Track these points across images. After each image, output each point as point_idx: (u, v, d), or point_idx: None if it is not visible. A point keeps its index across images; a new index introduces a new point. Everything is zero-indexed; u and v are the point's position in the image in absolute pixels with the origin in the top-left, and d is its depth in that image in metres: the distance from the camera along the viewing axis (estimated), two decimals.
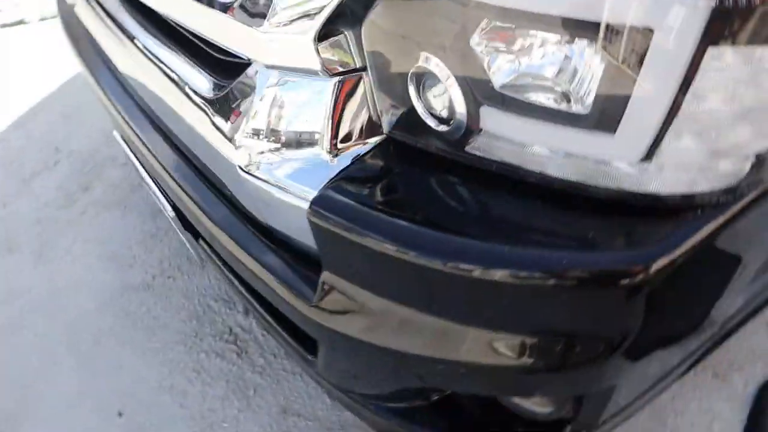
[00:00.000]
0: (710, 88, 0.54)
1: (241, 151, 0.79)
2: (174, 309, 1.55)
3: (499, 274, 0.62)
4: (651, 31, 0.52)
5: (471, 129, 0.67)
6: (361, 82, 0.72)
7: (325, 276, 0.78)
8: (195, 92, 0.89)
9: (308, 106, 0.74)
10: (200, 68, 0.90)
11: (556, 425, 0.89)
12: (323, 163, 0.74)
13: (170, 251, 1.69)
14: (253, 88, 0.79)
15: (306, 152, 0.75)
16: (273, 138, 0.77)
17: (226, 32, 0.80)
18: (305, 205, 0.73)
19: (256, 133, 0.77)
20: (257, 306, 1.08)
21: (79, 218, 1.84)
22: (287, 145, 0.77)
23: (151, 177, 1.16)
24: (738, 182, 0.61)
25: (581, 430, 0.88)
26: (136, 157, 1.19)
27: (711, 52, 0.52)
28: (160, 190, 1.15)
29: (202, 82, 0.89)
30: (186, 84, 0.91)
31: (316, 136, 0.74)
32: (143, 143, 1.08)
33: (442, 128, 0.69)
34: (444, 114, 0.69)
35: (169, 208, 1.13)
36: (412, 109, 0.70)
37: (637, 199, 0.62)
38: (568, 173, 0.63)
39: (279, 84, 0.75)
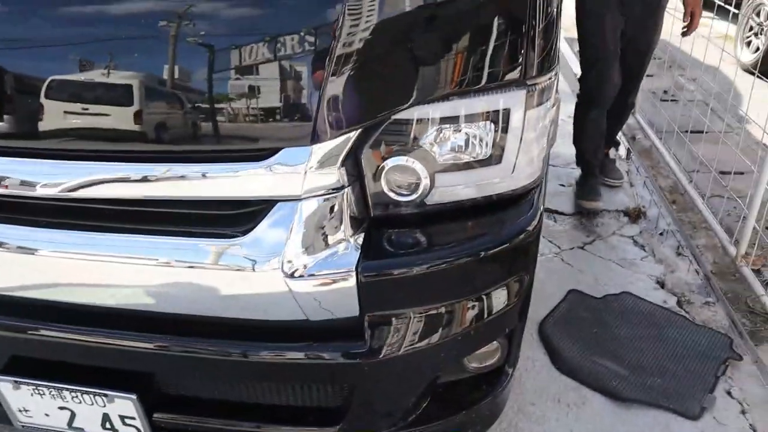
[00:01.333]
0: (531, 137, 1.19)
1: (290, 266, 1.09)
2: None
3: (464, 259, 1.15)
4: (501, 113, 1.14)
5: (430, 189, 1.17)
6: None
7: (371, 318, 1.15)
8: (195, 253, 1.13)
9: (328, 219, 1.12)
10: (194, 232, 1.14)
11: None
12: (349, 251, 1.13)
13: None
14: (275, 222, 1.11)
15: (335, 249, 1.12)
16: (311, 249, 1.11)
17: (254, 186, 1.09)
18: (350, 281, 1.10)
19: (299, 249, 1.10)
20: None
21: None
22: (320, 249, 1.12)
23: None
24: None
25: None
26: None
27: (528, 115, 1.18)
28: None
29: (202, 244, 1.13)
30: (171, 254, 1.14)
31: (338, 236, 1.12)
32: None
33: (411, 197, 1.17)
34: (408, 189, 1.17)
35: None
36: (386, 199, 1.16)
37: (504, 197, 1.23)
38: (472, 194, 1.19)
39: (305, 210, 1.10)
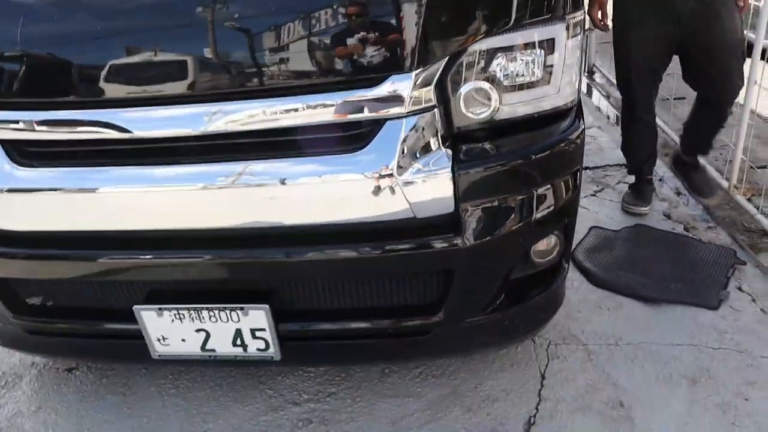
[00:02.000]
0: (570, 62, 1.51)
1: (401, 170, 1.39)
2: None
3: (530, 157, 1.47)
4: None
5: (498, 107, 1.48)
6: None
7: (464, 210, 1.45)
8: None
9: (426, 132, 1.42)
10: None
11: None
12: (443, 157, 1.43)
13: None
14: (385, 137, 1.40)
15: (433, 155, 1.42)
16: (415, 156, 1.41)
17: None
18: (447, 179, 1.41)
19: (407, 156, 1.40)
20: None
21: None
22: (422, 156, 1.42)
23: None
24: None
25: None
26: None
27: (567, 43, 1.50)
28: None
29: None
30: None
31: (435, 145, 1.42)
32: None
33: (484, 115, 1.48)
34: (482, 108, 1.47)
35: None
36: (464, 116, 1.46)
37: (554, 112, 1.55)
38: (530, 110, 1.51)
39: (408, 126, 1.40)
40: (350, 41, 1.35)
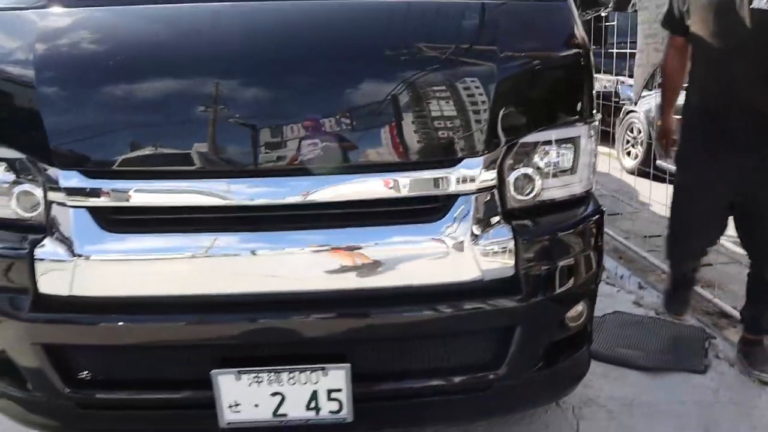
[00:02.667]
0: (588, 157, 1.91)
1: (473, 238, 1.66)
2: None
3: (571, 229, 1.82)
4: None
5: (540, 190, 1.81)
6: None
7: (523, 271, 1.72)
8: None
9: (489, 205, 1.72)
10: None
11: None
12: (506, 228, 1.73)
13: None
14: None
15: (498, 227, 1.72)
16: (484, 226, 1.69)
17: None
18: (510, 245, 1.70)
19: (477, 227, 1.68)
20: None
21: None
22: (489, 227, 1.70)
23: None
24: None
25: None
26: None
27: (586, 141, 1.90)
28: None
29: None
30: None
31: (496, 219, 1.72)
32: None
33: (528, 196, 1.80)
34: (526, 190, 1.81)
35: None
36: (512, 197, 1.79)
37: (576, 197, 1.92)
38: (561, 194, 1.87)
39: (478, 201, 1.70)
40: (438, 129, 1.67)
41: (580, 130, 1.85)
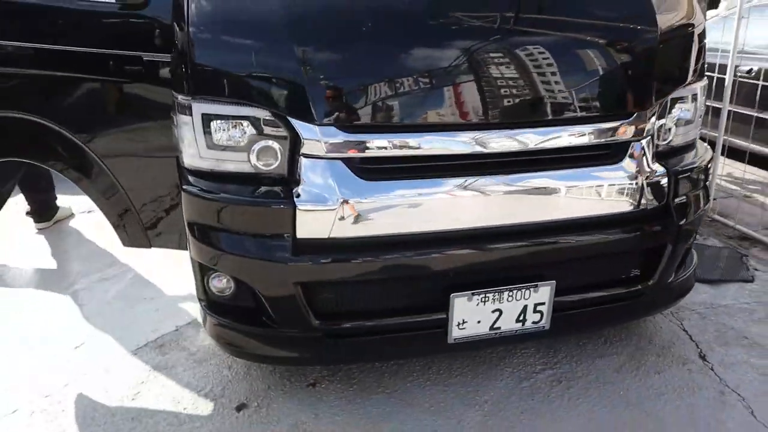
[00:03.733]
0: (701, 109, 2.38)
1: (647, 173, 2.10)
2: None
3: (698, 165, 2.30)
4: None
5: (673, 137, 2.28)
6: None
7: (674, 199, 2.19)
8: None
9: (648, 149, 2.16)
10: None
11: None
12: (660, 166, 2.17)
13: None
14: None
15: (655, 166, 2.16)
16: (650, 163, 2.13)
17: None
18: (666, 177, 2.16)
19: (649, 163, 2.11)
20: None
21: None
22: (653, 163, 2.14)
23: None
24: None
25: None
26: None
27: (701, 97, 2.37)
28: None
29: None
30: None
31: (653, 160, 2.17)
32: None
33: (666, 141, 2.26)
34: (665, 136, 2.27)
35: None
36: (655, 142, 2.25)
37: (693, 143, 2.40)
38: (684, 140, 2.35)
39: (646, 145, 2.13)
40: (617, 90, 2.09)
41: (698, 86, 2.32)
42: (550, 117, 2.01)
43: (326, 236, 1.94)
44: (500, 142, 1.98)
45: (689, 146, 2.36)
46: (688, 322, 2.67)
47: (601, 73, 2.05)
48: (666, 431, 2.07)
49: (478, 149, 1.97)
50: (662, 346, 2.50)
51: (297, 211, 1.90)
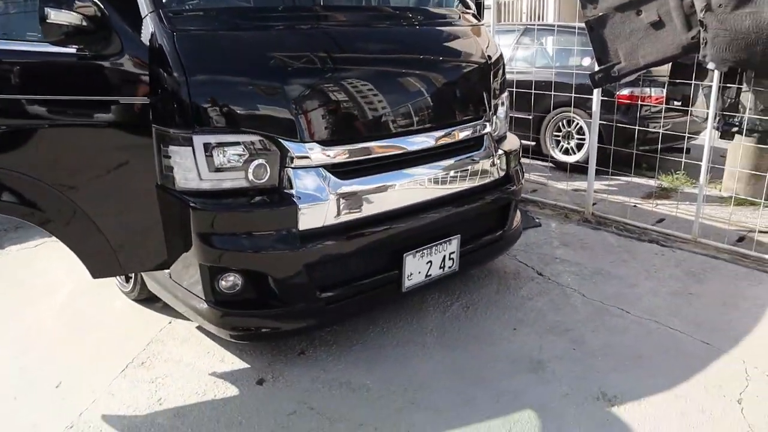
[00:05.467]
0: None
1: (496, 157, 3.21)
2: None
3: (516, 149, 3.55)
4: None
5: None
6: None
7: (508, 170, 3.36)
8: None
9: (490, 141, 3.28)
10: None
11: None
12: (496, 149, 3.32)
13: None
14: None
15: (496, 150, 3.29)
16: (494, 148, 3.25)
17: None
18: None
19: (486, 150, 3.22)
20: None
21: None
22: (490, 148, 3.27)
23: None
24: None
25: None
26: None
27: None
28: None
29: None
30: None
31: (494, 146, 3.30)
32: None
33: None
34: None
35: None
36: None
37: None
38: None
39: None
40: (474, 104, 3.16)
41: (506, 95, 3.55)
42: (447, 121, 3.04)
43: (321, 225, 2.61)
44: (421, 141, 2.92)
45: (506, 135, 3.57)
46: (521, 257, 3.90)
47: (468, 90, 3.16)
48: (545, 316, 3.21)
49: (409, 148, 2.87)
50: (515, 273, 3.68)
51: (299, 209, 2.54)
